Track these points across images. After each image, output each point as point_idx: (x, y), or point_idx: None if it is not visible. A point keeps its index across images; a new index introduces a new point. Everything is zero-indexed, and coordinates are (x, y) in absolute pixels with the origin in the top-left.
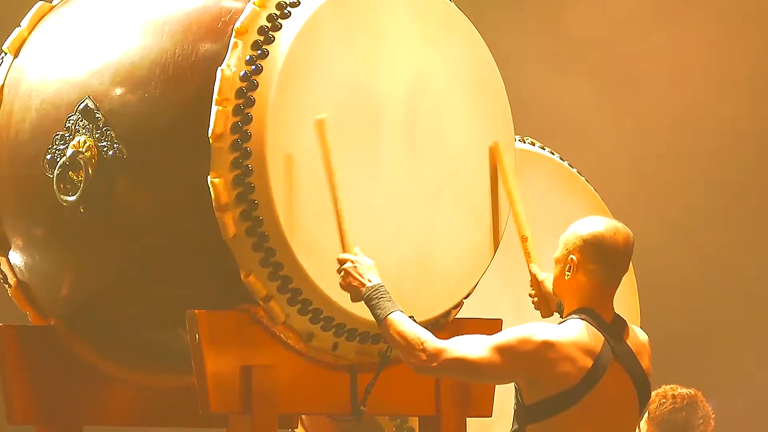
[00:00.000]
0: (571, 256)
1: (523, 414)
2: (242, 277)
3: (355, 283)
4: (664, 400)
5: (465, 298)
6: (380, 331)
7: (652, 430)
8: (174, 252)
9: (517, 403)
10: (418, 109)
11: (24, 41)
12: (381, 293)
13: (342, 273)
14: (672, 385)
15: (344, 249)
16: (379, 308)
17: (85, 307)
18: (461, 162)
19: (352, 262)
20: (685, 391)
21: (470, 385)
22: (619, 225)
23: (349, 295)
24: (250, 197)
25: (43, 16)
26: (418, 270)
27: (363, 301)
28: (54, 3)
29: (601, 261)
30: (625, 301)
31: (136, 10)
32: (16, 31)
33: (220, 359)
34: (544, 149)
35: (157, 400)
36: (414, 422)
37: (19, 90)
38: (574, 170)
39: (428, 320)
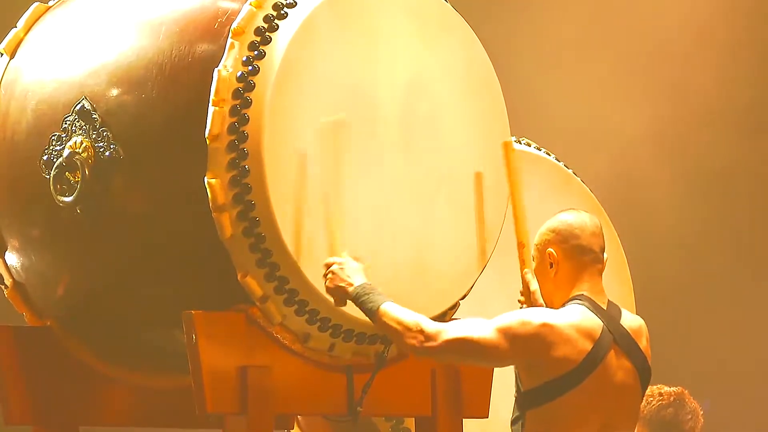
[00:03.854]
0: (549, 249)
1: (523, 400)
2: (239, 277)
3: (342, 284)
4: (651, 399)
5: (461, 299)
6: (374, 325)
7: (642, 430)
8: (171, 253)
9: (517, 390)
10: (415, 110)
11: (20, 42)
12: (369, 289)
13: (329, 275)
14: (658, 385)
15: (332, 253)
16: (370, 302)
17: (81, 307)
18: (458, 163)
19: (338, 264)
20: (671, 389)
21: (466, 386)
22: (581, 211)
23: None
24: (247, 198)
25: (39, 17)
26: (414, 271)
27: (352, 301)
28: (50, 3)
29: (576, 243)
30: (622, 301)
31: (132, 10)
32: (12, 32)
33: (216, 360)
34: (540, 150)
35: (154, 400)
36: (410, 423)
37: (16, 91)
38: (570, 171)
39: None
